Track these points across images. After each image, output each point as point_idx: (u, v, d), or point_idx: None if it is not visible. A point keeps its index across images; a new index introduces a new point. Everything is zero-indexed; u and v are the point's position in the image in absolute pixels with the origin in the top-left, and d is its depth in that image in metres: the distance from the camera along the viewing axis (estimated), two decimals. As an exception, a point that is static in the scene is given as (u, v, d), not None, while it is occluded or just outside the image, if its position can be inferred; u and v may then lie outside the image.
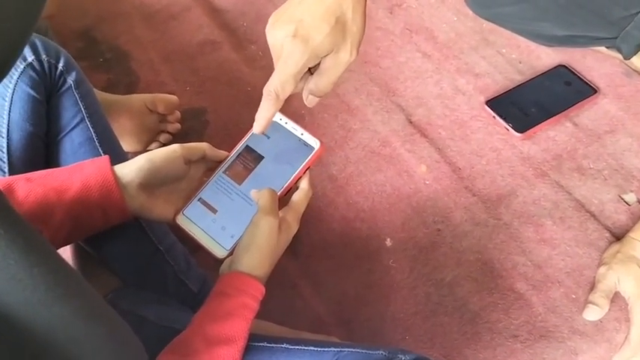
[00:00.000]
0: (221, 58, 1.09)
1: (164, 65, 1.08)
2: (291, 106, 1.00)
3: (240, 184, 0.67)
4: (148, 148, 0.92)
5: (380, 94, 1.01)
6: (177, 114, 0.94)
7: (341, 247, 0.84)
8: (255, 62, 1.09)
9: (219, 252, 0.64)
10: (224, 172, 0.68)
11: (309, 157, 0.66)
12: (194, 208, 0.66)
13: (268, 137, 0.68)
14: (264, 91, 0.54)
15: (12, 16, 0.26)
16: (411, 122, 0.97)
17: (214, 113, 1.00)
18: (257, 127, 0.57)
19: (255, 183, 0.66)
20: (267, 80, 1.13)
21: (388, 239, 0.84)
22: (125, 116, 0.88)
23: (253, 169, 0.67)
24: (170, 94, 0.95)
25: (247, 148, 0.68)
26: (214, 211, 0.66)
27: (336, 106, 1.00)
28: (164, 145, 0.93)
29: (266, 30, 0.55)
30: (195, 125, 0.98)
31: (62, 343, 0.29)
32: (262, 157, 0.67)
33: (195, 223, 0.65)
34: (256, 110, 1.01)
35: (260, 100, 1.04)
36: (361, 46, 0.57)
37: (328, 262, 0.82)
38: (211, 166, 0.69)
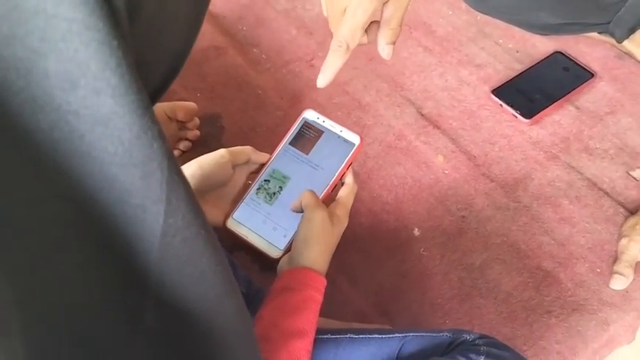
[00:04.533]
0: (227, 63, 1.10)
1: (171, 73, 1.08)
2: (303, 109, 1.02)
3: (286, 184, 0.69)
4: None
5: (389, 89, 1.04)
6: (197, 121, 0.95)
7: (372, 240, 0.86)
8: (259, 65, 1.10)
9: (274, 252, 0.65)
10: (268, 174, 0.69)
11: (351, 152, 0.68)
12: (243, 211, 0.67)
13: (308, 137, 0.70)
14: (333, 43, 0.56)
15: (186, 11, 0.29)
16: (422, 115, 1.00)
17: (228, 118, 1.01)
18: (323, 79, 0.57)
19: (300, 183, 0.68)
20: (275, 83, 1.14)
21: (416, 229, 0.87)
22: (146, 126, 0.88)
23: (297, 169, 0.69)
24: (182, 101, 0.96)
25: (289, 149, 0.70)
26: (264, 212, 0.67)
27: (347, 104, 1.02)
28: (184, 152, 0.94)
29: None
30: (212, 131, 0.99)
31: (223, 335, 0.30)
32: (305, 157, 0.69)
33: (246, 225, 0.67)
34: (269, 114, 1.03)
35: (270, 103, 1.06)
36: (365, 45, 0.61)
37: (361, 255, 0.85)
38: (254, 169, 0.70)
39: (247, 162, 0.69)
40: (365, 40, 0.59)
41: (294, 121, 1.02)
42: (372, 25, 0.59)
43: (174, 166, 0.26)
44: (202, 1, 0.31)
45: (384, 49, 0.59)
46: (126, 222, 0.25)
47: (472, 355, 0.54)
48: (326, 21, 1.19)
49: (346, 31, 0.55)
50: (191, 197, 0.27)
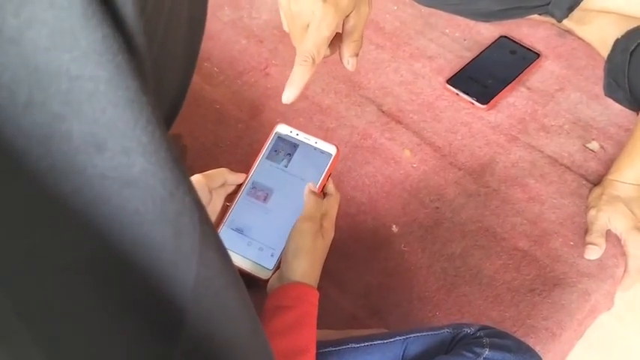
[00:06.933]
0: (179, 80, 1.07)
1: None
2: (264, 119, 1.01)
3: (266, 202, 0.68)
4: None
5: (347, 90, 1.04)
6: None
7: (352, 242, 0.87)
8: (213, 79, 1.09)
9: (263, 273, 0.65)
10: (247, 193, 0.69)
11: (329, 163, 0.68)
12: (226, 236, 0.66)
13: (284, 152, 0.69)
14: (298, 57, 0.56)
15: (182, 50, 0.28)
16: (383, 112, 1.01)
17: (190, 136, 1.00)
18: (289, 94, 0.56)
19: (282, 199, 0.68)
20: (232, 95, 1.12)
21: (394, 226, 0.88)
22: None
23: (276, 185, 0.69)
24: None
25: (266, 166, 0.69)
26: (247, 234, 0.67)
27: (308, 109, 1.02)
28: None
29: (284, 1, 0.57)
30: (175, 152, 0.97)
31: None
32: (283, 173, 0.69)
33: (231, 249, 0.66)
34: (230, 127, 1.01)
35: (230, 116, 1.04)
36: None
37: (344, 259, 0.85)
38: (231, 191, 0.70)
39: (223, 184, 0.68)
40: (328, 52, 0.60)
41: (257, 131, 1.01)
42: (334, 38, 0.59)
43: (205, 216, 0.25)
44: (196, 39, 0.30)
45: (349, 62, 0.60)
46: (157, 280, 0.24)
47: (476, 349, 0.56)
48: (276, 28, 1.18)
49: (311, 45, 0.55)
50: (220, 243, 0.27)
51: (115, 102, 0.21)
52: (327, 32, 0.55)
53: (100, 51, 0.20)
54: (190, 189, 0.24)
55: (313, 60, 0.56)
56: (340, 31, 0.59)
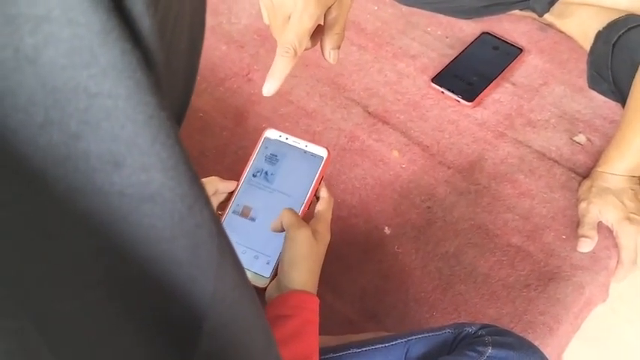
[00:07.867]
0: (161, 89, 1.06)
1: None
2: (250, 126, 1.00)
3: (259, 209, 0.67)
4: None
5: (332, 92, 1.04)
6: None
7: (346, 246, 0.86)
8: (195, 86, 1.07)
9: (261, 282, 0.64)
10: (239, 201, 0.67)
11: (320, 166, 0.67)
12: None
13: (274, 157, 0.68)
14: (279, 49, 0.55)
15: (184, 63, 0.28)
16: (369, 113, 1.01)
17: (175, 146, 0.98)
18: (270, 86, 0.55)
19: (274, 205, 0.67)
20: (216, 102, 1.11)
21: (386, 227, 0.88)
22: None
23: (268, 191, 0.67)
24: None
25: (256, 172, 0.68)
26: (241, 242, 0.66)
27: (293, 113, 1.01)
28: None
29: None
30: (160, 163, 0.96)
31: None
32: (274, 179, 0.68)
33: None
34: (215, 135, 1.00)
35: (215, 124, 1.03)
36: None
37: (339, 263, 0.84)
38: (223, 199, 0.68)
39: (215, 193, 0.67)
40: (309, 45, 0.59)
41: (243, 138, 1.00)
42: (315, 30, 0.58)
43: (221, 229, 0.25)
44: (196, 50, 0.30)
45: (330, 54, 0.60)
46: (175, 294, 0.24)
47: (479, 348, 0.55)
48: (256, 33, 1.17)
49: (293, 36, 0.55)
50: (235, 256, 0.27)
51: (134, 118, 0.20)
52: (309, 23, 0.54)
53: (120, 67, 0.20)
54: (208, 203, 0.24)
55: (295, 51, 0.55)
56: (322, 23, 0.59)
